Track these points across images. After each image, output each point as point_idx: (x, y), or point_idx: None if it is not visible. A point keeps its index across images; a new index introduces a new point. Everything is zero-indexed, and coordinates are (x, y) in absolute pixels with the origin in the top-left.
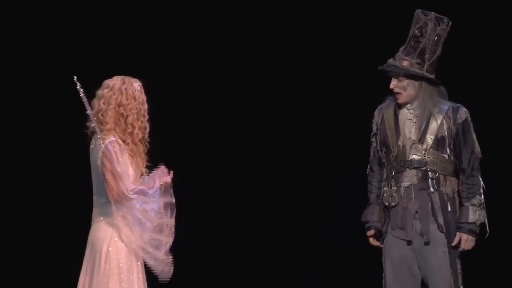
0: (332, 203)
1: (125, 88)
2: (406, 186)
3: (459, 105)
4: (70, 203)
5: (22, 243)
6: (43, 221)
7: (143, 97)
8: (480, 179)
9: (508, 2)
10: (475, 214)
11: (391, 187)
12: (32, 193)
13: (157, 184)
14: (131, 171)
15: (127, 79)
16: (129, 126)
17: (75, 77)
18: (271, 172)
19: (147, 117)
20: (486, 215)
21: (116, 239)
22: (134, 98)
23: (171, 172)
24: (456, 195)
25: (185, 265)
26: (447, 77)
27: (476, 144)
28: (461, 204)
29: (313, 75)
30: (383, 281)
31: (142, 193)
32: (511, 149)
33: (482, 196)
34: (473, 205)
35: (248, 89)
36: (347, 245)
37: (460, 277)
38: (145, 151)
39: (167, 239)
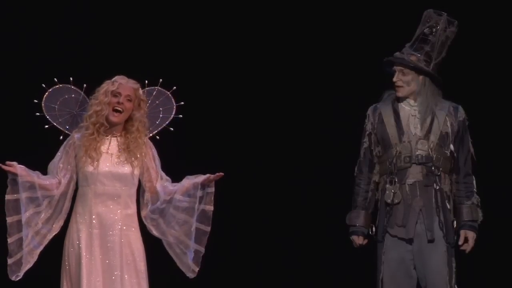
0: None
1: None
2: (411, 183)
3: (456, 104)
4: None
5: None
6: None
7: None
8: (473, 178)
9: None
10: (477, 213)
11: (394, 184)
12: None
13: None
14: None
15: None
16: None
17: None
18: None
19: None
20: None
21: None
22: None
23: None
24: (451, 193)
25: None
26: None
27: (471, 144)
28: (458, 203)
29: (312, 75)
30: (378, 281)
31: None
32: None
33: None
34: (473, 204)
35: (245, 89)
36: (340, 245)
37: (454, 276)
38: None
39: None
